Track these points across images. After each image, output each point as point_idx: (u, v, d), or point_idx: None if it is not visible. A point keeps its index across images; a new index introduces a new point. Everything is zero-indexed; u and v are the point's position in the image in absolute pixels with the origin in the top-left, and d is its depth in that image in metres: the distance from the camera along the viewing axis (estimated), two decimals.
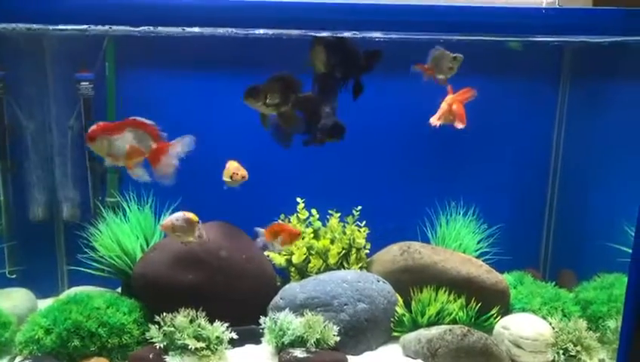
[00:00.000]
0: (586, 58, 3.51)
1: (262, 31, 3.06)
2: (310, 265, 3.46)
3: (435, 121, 2.99)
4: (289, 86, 2.81)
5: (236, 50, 3.42)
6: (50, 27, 3.07)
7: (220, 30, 3.08)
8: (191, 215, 2.94)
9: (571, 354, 2.97)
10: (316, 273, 3.41)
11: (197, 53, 3.44)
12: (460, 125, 2.99)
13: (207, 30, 3.07)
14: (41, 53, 3.43)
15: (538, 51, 3.44)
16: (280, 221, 3.34)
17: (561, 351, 2.98)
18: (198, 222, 2.95)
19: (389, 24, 2.92)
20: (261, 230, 3.12)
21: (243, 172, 3.12)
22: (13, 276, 3.59)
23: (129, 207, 3.47)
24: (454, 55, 2.82)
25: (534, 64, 3.51)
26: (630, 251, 2.97)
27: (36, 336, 2.87)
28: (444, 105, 3.00)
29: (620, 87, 3.55)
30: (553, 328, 3.05)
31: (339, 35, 2.86)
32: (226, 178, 3.11)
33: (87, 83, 3.45)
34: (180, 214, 2.93)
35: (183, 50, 3.40)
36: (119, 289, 3.41)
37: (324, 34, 2.80)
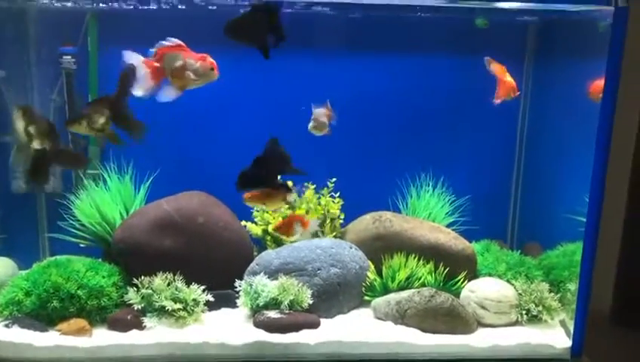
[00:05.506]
0: (550, 33, 3.64)
1: None
2: None
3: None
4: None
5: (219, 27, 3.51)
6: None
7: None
8: None
9: (533, 314, 3.10)
10: (291, 242, 3.52)
11: (179, 29, 3.51)
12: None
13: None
14: (24, 26, 3.50)
15: (503, 27, 3.57)
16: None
17: (524, 312, 3.11)
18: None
19: None
20: None
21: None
22: None
23: (110, 177, 3.55)
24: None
25: (499, 40, 3.65)
26: None
27: (16, 298, 2.94)
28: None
29: (585, 62, 3.68)
30: (517, 290, 3.18)
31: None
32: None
33: (69, 57, 3.53)
34: None
35: (163, 25, 3.48)
36: (100, 260, 3.49)
37: None
